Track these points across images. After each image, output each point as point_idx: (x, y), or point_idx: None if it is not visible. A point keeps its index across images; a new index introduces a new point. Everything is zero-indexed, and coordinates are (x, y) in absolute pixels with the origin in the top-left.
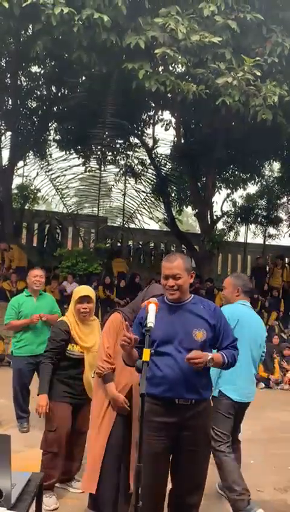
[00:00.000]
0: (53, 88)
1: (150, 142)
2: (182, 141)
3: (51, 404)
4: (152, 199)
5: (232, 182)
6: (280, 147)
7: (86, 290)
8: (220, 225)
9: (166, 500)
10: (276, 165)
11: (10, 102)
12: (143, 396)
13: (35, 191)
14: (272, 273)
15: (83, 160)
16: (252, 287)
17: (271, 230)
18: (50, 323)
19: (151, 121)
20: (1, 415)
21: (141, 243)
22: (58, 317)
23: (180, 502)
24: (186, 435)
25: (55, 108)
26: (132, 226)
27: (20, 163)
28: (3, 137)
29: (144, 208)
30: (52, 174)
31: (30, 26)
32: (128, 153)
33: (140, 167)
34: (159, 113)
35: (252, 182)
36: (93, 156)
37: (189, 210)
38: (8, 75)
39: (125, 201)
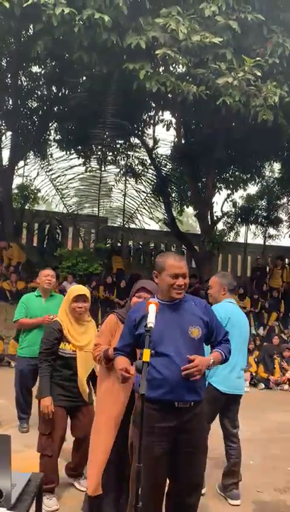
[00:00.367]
0: (54, 88)
1: (151, 143)
2: (183, 141)
3: None
4: (152, 199)
5: (233, 182)
6: (280, 148)
7: (81, 289)
8: (220, 225)
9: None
10: (276, 166)
11: (11, 102)
12: (143, 397)
13: (35, 191)
14: (272, 274)
15: (84, 160)
16: (236, 285)
17: (271, 230)
18: None
19: (152, 121)
20: (1, 415)
21: (141, 243)
22: None
23: (178, 502)
24: (184, 437)
25: (55, 109)
26: (132, 226)
27: (21, 163)
28: (3, 137)
29: (144, 208)
30: (52, 174)
31: (31, 26)
32: (128, 153)
33: (140, 167)
34: (160, 113)
35: (253, 182)
36: (94, 156)
37: (189, 210)
38: (9, 75)
39: (126, 202)
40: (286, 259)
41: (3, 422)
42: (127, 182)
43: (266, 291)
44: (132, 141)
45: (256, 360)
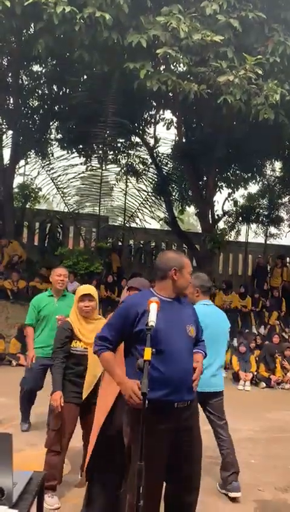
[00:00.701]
0: (54, 87)
1: (151, 142)
2: (184, 140)
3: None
4: (153, 198)
5: (234, 181)
6: (281, 146)
7: (87, 288)
8: (221, 224)
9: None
10: (277, 165)
11: (12, 101)
12: (145, 396)
13: (36, 190)
14: (272, 273)
15: (84, 159)
16: (210, 285)
17: (272, 229)
18: None
19: (153, 120)
20: (2, 414)
21: (142, 242)
22: None
23: (178, 501)
24: (182, 436)
25: (56, 107)
26: (133, 225)
27: (22, 162)
28: (4, 136)
29: (145, 207)
30: (53, 173)
31: (32, 25)
32: (129, 152)
33: (141, 166)
34: (161, 112)
35: (254, 181)
36: (95, 155)
37: (190, 209)
38: (10, 74)
39: (127, 201)
40: (288, 258)
41: (3, 420)
42: (128, 180)
43: (267, 290)
44: (132, 140)
45: (257, 359)
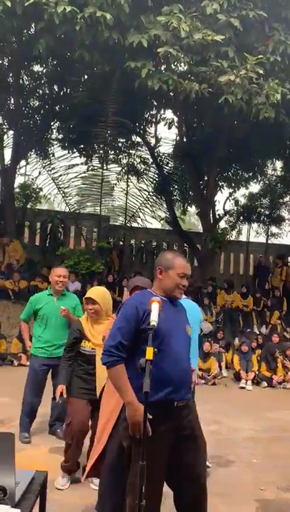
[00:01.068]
0: (55, 87)
1: (152, 141)
2: (184, 140)
3: (70, 399)
4: (154, 198)
5: (235, 180)
6: (282, 146)
7: (90, 292)
8: (222, 224)
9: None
10: (278, 164)
11: (12, 101)
12: (147, 395)
13: (37, 190)
14: (273, 273)
15: (85, 159)
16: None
17: (274, 229)
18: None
19: (154, 120)
20: (3, 414)
21: (143, 241)
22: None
23: (190, 504)
24: (184, 433)
25: (57, 107)
26: (134, 224)
27: (23, 162)
28: (5, 136)
29: (146, 207)
30: (54, 173)
31: (32, 25)
32: (130, 151)
33: (142, 166)
34: (162, 111)
35: (255, 180)
36: (96, 154)
37: (191, 209)
38: (11, 74)
39: (128, 200)
40: (289, 258)
41: (5, 420)
42: (129, 180)
43: (269, 290)
44: (133, 140)
45: (258, 358)
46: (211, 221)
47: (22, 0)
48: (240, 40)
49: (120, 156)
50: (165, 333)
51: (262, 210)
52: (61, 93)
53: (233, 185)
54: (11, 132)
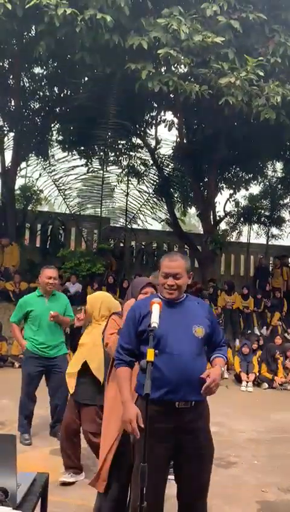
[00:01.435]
0: (56, 89)
1: (153, 143)
2: (185, 141)
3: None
4: (155, 199)
5: (235, 182)
6: (282, 147)
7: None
8: (223, 225)
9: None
10: (279, 165)
11: (13, 103)
12: (148, 396)
13: (38, 191)
14: (273, 274)
15: (86, 160)
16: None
17: (274, 230)
18: (63, 325)
19: (154, 122)
20: (4, 416)
21: (143, 243)
22: (70, 321)
23: (189, 506)
24: (188, 439)
25: (57, 109)
26: (135, 226)
27: (23, 164)
28: (6, 138)
29: (147, 208)
30: (54, 174)
31: (33, 27)
32: (130, 153)
33: (142, 167)
34: (162, 113)
35: (255, 182)
36: (96, 156)
37: (191, 210)
38: (11, 76)
39: (128, 202)
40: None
41: (6, 422)
42: (130, 182)
43: (269, 291)
44: (134, 141)
45: (259, 360)
46: (212, 222)
47: (22, 2)
48: (240, 41)
49: (120, 158)
50: (161, 334)
51: (262, 211)
52: (62, 95)
53: (233, 186)
54: (11, 134)
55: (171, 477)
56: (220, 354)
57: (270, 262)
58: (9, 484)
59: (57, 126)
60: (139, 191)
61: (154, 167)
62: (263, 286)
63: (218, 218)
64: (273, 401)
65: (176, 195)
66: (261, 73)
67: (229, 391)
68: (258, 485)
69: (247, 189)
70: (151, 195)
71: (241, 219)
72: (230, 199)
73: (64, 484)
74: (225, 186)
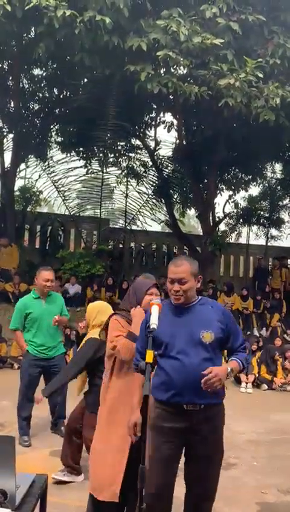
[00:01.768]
0: (55, 90)
1: (152, 144)
2: (184, 143)
3: None
4: (154, 201)
5: (234, 183)
6: (282, 149)
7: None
8: (222, 226)
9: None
10: (278, 167)
11: (12, 105)
12: (147, 398)
13: (37, 193)
14: (272, 275)
15: (85, 162)
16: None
17: (273, 231)
18: (60, 325)
19: (153, 123)
20: (4, 417)
21: (143, 244)
22: (67, 320)
23: (195, 508)
24: (196, 440)
25: (57, 111)
26: (134, 227)
27: (23, 166)
28: (5, 140)
29: (146, 210)
30: (54, 176)
31: (32, 29)
32: (130, 154)
33: (142, 169)
34: (161, 114)
35: (254, 183)
36: (95, 157)
37: (191, 211)
38: (10, 78)
39: (127, 203)
40: (289, 260)
41: (6, 423)
42: (129, 183)
43: (269, 292)
44: (133, 143)
45: (258, 361)
46: (211, 223)
47: (22, 4)
48: (240, 43)
49: (120, 159)
50: (166, 337)
51: (262, 212)
52: (61, 97)
53: (233, 187)
54: (11, 135)
55: None
56: (235, 357)
57: (270, 263)
58: (8, 486)
59: (56, 127)
60: (138, 192)
61: (153, 168)
62: (262, 287)
63: (217, 219)
64: (272, 402)
65: (175, 197)
66: (261, 75)
67: (229, 392)
68: (258, 487)
69: (246, 191)
70: (150, 196)
71: (241, 220)
72: (229, 200)
73: (58, 483)
74: (224, 187)
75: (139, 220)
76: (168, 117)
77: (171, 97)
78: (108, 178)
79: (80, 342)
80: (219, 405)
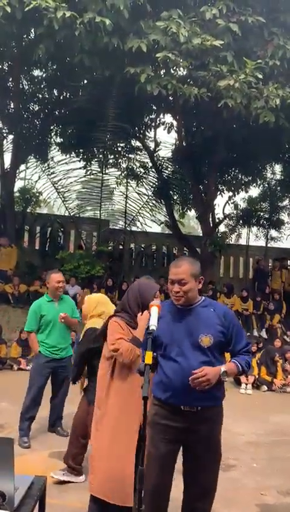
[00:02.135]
0: (55, 91)
1: (152, 145)
2: (184, 144)
3: None
4: (154, 202)
5: (234, 184)
6: (281, 150)
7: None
8: (222, 228)
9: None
10: (278, 168)
11: (12, 106)
12: (146, 400)
13: (37, 194)
14: (272, 276)
15: (85, 163)
16: None
17: (273, 232)
18: (71, 327)
19: (153, 124)
20: (3, 418)
21: (143, 245)
22: (78, 322)
23: (191, 507)
24: (192, 440)
25: (57, 112)
26: (134, 228)
27: (22, 167)
28: (5, 141)
29: (146, 211)
30: (54, 177)
31: (32, 30)
32: (130, 155)
33: (142, 170)
34: (161, 116)
35: (254, 184)
36: (95, 159)
37: (191, 212)
38: (10, 79)
39: (127, 204)
40: (289, 261)
41: (5, 425)
42: (129, 184)
43: (269, 293)
44: (133, 144)
45: (258, 362)
46: (211, 224)
47: (21, 5)
48: (239, 44)
49: (120, 160)
50: (166, 338)
51: (262, 214)
52: (61, 98)
53: (232, 188)
54: (10, 136)
55: None
56: (235, 360)
57: (269, 264)
58: (7, 487)
59: (56, 128)
60: (138, 193)
61: (153, 169)
62: (262, 288)
63: (217, 220)
64: (272, 403)
65: (175, 198)
66: (260, 76)
67: (228, 394)
68: (257, 488)
69: (246, 192)
70: (150, 197)
71: (241, 221)
72: (229, 201)
73: (57, 483)
74: (224, 188)
75: (139, 221)
76: (168, 118)
77: (171, 98)
78: (108, 179)
79: None
80: (217, 407)
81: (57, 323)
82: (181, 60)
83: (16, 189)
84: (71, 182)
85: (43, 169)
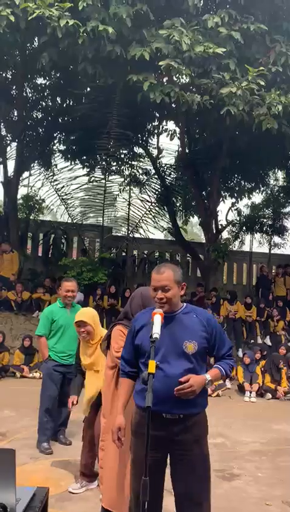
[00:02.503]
0: (58, 99)
1: (155, 152)
2: (187, 151)
3: None
4: (157, 208)
5: (237, 191)
6: (284, 156)
7: (80, 315)
8: (225, 234)
9: None
10: (280, 174)
11: (16, 114)
12: (149, 409)
13: (40, 201)
14: (275, 283)
15: (88, 170)
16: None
17: (276, 239)
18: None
19: (156, 131)
20: (5, 427)
21: (145, 252)
22: None
23: None
24: (177, 449)
25: (60, 119)
26: (137, 235)
27: (26, 174)
28: (8, 148)
29: (149, 218)
30: (57, 184)
31: (36, 39)
32: (132, 162)
33: (144, 177)
34: (164, 123)
35: (257, 191)
36: (98, 166)
37: (194, 219)
38: (14, 87)
39: (130, 211)
40: None
41: (7, 433)
42: (132, 191)
43: (272, 300)
44: (136, 151)
45: (262, 369)
46: (214, 231)
47: (25, 14)
48: (241, 52)
49: (122, 167)
50: (149, 348)
51: (265, 220)
52: (64, 106)
53: (235, 195)
54: (14, 144)
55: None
56: (218, 365)
57: (273, 271)
58: (8, 499)
59: (59, 136)
60: (141, 200)
61: (156, 176)
62: (266, 295)
63: (220, 227)
64: (277, 411)
65: (178, 204)
66: (262, 83)
67: (233, 401)
68: (262, 498)
69: (249, 198)
70: (153, 204)
71: (244, 228)
72: (232, 208)
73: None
74: (227, 195)
75: (141, 227)
76: (171, 125)
77: (173, 106)
78: (111, 186)
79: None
80: (199, 414)
81: (67, 330)
82: (184, 68)
83: (19, 196)
84: (74, 189)
85: (47, 176)
